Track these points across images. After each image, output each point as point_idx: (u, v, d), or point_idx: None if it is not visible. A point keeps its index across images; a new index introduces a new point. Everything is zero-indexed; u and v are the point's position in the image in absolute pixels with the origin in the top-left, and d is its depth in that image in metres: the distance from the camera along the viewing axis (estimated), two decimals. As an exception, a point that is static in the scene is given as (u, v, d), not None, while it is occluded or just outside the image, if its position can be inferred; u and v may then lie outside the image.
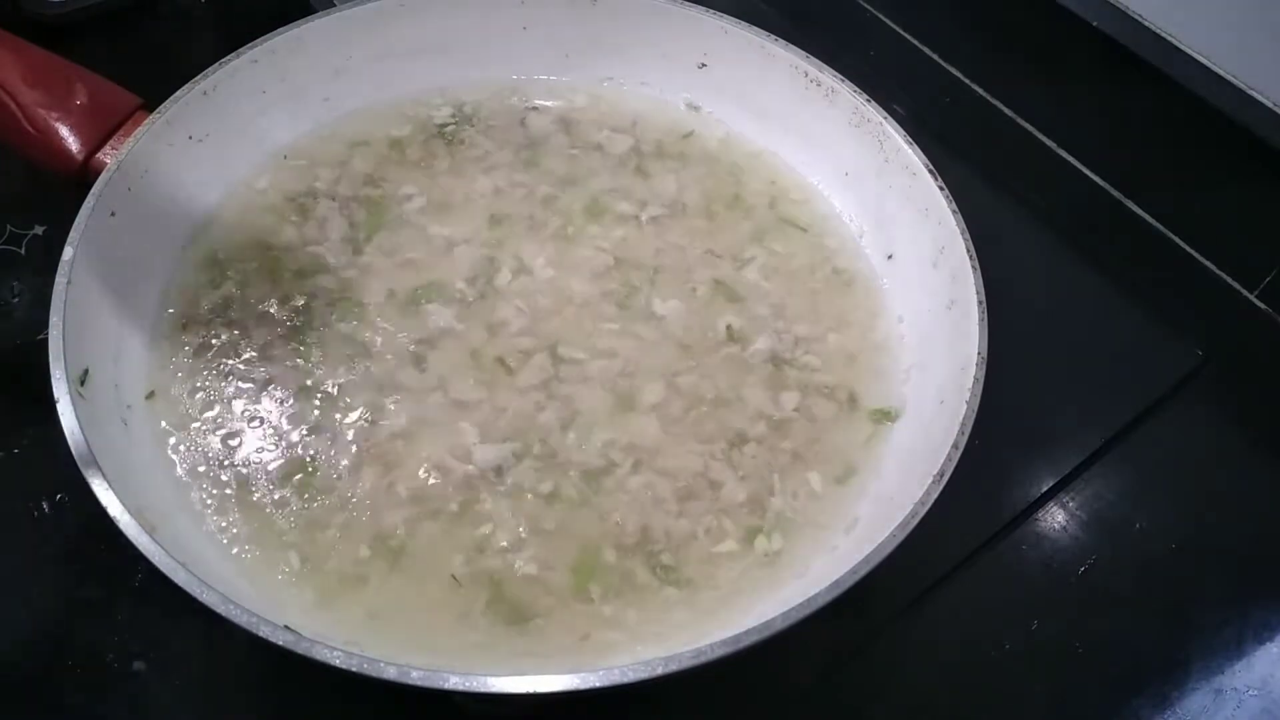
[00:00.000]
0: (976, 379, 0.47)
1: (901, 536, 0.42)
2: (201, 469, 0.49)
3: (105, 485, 0.41)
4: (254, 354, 0.53)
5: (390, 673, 0.37)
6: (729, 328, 0.56)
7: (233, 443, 0.50)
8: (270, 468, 0.49)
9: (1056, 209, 0.70)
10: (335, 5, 0.62)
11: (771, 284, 0.58)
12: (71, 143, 0.54)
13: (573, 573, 0.47)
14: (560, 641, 0.45)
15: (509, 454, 0.50)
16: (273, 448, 0.50)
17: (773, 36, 0.62)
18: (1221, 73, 0.62)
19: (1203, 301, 0.67)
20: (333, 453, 0.49)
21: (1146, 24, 0.64)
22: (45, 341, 0.45)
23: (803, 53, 0.61)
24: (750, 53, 0.62)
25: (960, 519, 0.50)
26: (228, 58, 0.57)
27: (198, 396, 0.51)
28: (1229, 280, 0.66)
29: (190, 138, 0.56)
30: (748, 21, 0.62)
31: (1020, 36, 0.72)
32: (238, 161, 0.60)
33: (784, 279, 0.59)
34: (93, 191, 0.51)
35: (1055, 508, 0.56)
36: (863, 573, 0.41)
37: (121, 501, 0.41)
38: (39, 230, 0.64)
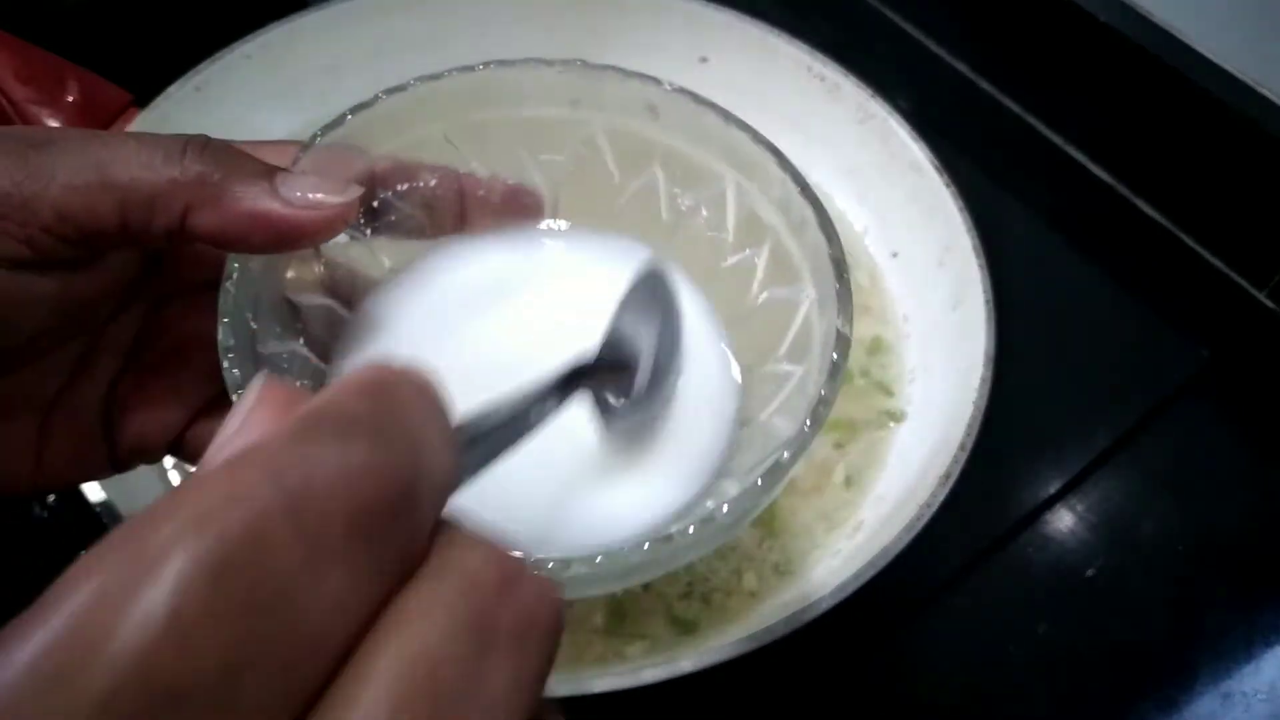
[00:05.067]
0: (984, 379, 0.47)
1: (907, 540, 0.41)
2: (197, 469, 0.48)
3: (99, 485, 0.41)
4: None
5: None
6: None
7: (227, 443, 0.49)
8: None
9: (1063, 206, 0.69)
10: (329, -1, 0.62)
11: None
12: (64, 139, 0.53)
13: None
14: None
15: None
16: (268, 448, 0.49)
17: (776, 30, 0.61)
18: (1230, 69, 0.61)
19: (1210, 300, 0.66)
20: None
21: (1154, 20, 0.63)
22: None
23: (806, 47, 0.60)
24: (753, 47, 0.62)
25: (966, 522, 0.49)
26: (220, 52, 0.57)
27: (192, 396, 0.50)
28: (1237, 279, 0.66)
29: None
30: (750, 15, 0.62)
31: (1027, 31, 0.71)
32: (232, 158, 0.59)
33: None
34: (85, 188, 0.50)
35: (1063, 510, 0.55)
36: (868, 576, 0.40)
37: (116, 502, 0.41)
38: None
